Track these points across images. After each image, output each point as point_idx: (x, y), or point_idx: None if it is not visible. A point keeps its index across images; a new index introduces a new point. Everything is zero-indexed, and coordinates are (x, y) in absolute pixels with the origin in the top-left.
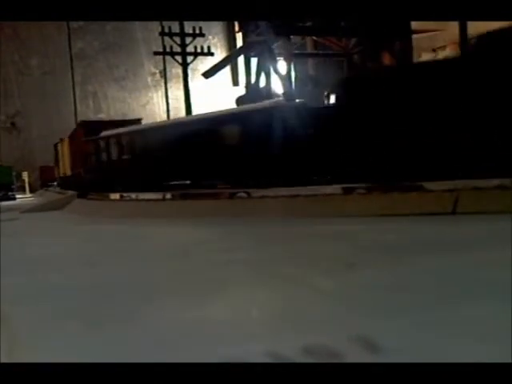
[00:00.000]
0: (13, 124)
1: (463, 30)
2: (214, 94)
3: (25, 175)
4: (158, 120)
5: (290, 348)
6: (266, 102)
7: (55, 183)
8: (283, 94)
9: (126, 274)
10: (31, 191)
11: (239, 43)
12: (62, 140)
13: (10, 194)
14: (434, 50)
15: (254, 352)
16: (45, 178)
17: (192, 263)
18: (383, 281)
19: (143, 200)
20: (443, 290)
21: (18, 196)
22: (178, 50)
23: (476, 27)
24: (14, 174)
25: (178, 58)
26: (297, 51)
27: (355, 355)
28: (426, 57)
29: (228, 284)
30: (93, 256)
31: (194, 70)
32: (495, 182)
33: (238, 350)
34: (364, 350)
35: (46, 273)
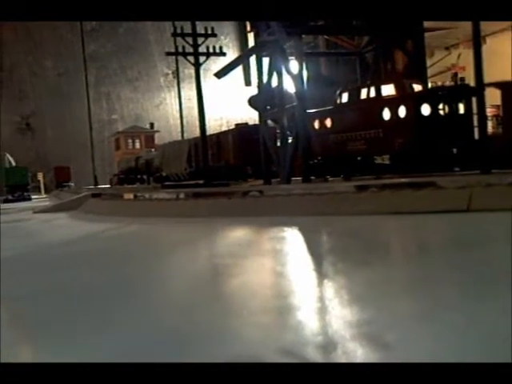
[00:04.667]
0: (28, 125)
1: (476, 27)
2: (227, 93)
3: (40, 176)
4: (171, 121)
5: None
6: None
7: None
8: (295, 93)
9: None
10: (46, 191)
11: (251, 43)
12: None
13: (25, 194)
14: (446, 48)
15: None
16: (59, 179)
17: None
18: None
19: (156, 200)
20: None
21: (33, 196)
22: (191, 50)
23: (489, 25)
24: (29, 174)
25: (191, 59)
26: (309, 50)
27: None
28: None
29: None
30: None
31: (206, 70)
32: (509, 178)
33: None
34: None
35: (56, 272)
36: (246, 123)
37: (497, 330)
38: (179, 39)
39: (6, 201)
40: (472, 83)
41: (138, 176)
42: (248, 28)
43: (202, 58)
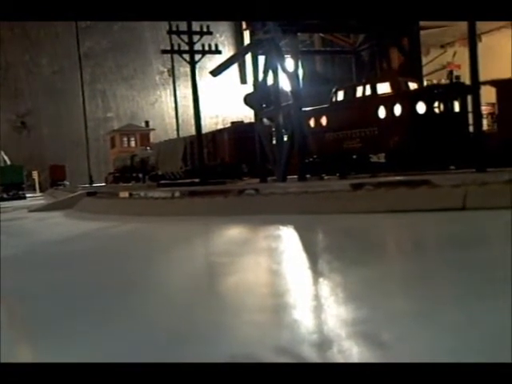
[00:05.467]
0: (23, 123)
1: (472, 25)
2: (222, 91)
3: (35, 174)
4: (167, 119)
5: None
6: None
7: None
8: (291, 91)
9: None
10: (41, 190)
11: (247, 41)
12: None
13: (20, 192)
14: (442, 46)
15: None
16: (54, 177)
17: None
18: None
19: (151, 198)
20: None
21: (28, 195)
22: (186, 48)
23: (485, 23)
24: (24, 173)
25: (186, 57)
26: (304, 48)
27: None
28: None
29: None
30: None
31: (201, 68)
32: (504, 176)
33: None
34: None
35: (52, 271)
36: (242, 121)
37: (495, 329)
38: (175, 37)
39: (1, 199)
40: (467, 81)
41: (134, 174)
42: (244, 26)
43: (197, 56)
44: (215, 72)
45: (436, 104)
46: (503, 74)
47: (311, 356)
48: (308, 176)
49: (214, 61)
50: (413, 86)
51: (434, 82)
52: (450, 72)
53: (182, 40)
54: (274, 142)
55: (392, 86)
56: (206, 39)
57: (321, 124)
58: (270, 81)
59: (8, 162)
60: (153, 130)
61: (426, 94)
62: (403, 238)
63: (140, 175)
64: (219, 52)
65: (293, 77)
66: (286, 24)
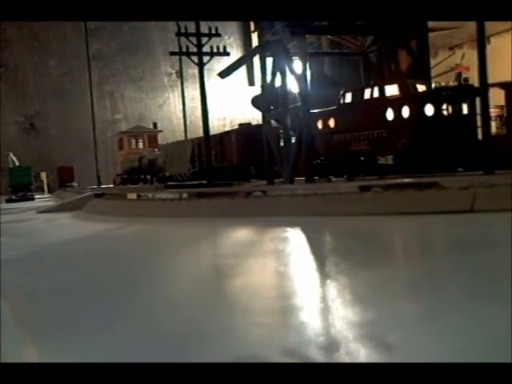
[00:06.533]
0: (32, 125)
1: (481, 27)
2: (230, 93)
3: (43, 176)
4: (175, 121)
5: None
6: None
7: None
8: (299, 93)
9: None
10: (49, 191)
11: (255, 43)
12: None
13: (28, 194)
14: (451, 48)
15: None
16: (63, 179)
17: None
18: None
19: (159, 200)
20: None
21: (36, 196)
22: (194, 50)
23: (494, 24)
24: (32, 174)
25: (194, 58)
26: (312, 50)
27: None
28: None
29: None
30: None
31: (210, 69)
32: None
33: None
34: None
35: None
36: (250, 123)
37: (503, 331)
38: (183, 39)
39: (10, 200)
40: (476, 83)
41: (141, 176)
42: (252, 28)
43: (205, 58)
44: (223, 74)
45: (444, 106)
46: None
47: (318, 358)
48: (316, 178)
49: (222, 63)
50: (421, 88)
51: (443, 84)
52: (459, 74)
53: (191, 42)
54: (282, 143)
55: (400, 88)
56: (214, 41)
57: (329, 126)
58: (277, 83)
59: (16, 163)
60: (161, 131)
61: (435, 96)
62: (411, 240)
63: (148, 177)
64: (227, 54)
65: (301, 79)
66: (295, 26)
